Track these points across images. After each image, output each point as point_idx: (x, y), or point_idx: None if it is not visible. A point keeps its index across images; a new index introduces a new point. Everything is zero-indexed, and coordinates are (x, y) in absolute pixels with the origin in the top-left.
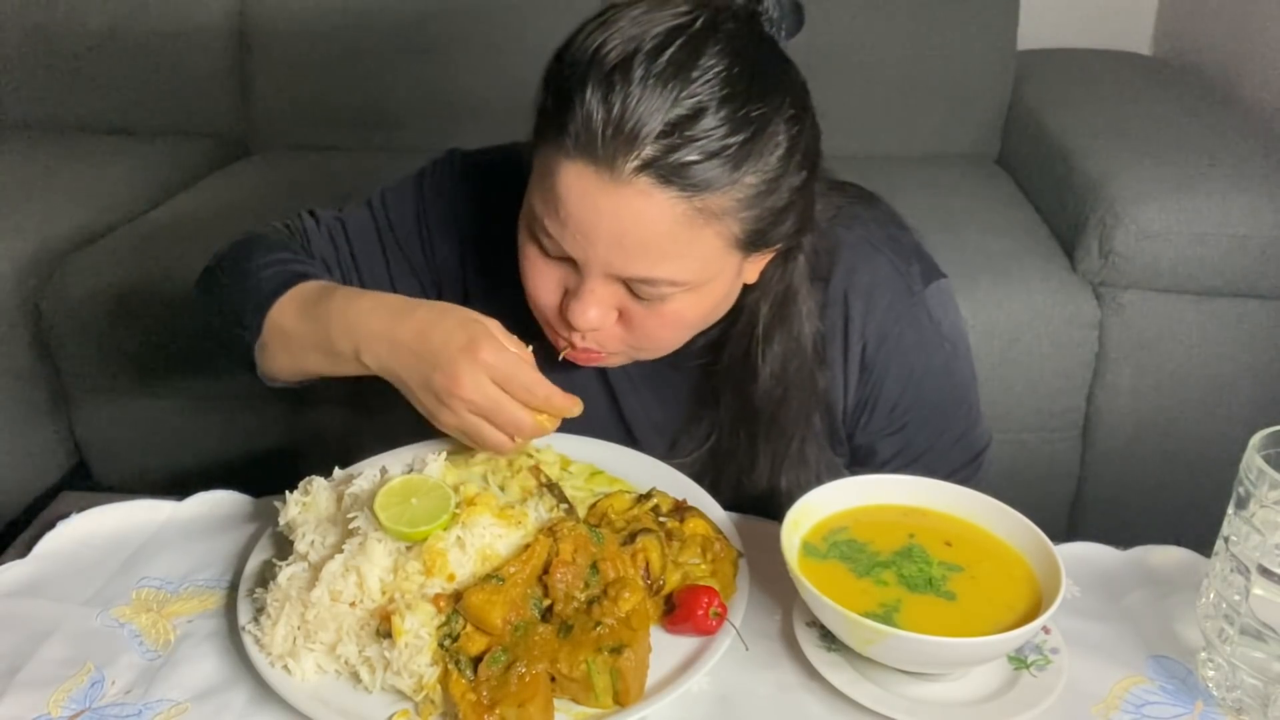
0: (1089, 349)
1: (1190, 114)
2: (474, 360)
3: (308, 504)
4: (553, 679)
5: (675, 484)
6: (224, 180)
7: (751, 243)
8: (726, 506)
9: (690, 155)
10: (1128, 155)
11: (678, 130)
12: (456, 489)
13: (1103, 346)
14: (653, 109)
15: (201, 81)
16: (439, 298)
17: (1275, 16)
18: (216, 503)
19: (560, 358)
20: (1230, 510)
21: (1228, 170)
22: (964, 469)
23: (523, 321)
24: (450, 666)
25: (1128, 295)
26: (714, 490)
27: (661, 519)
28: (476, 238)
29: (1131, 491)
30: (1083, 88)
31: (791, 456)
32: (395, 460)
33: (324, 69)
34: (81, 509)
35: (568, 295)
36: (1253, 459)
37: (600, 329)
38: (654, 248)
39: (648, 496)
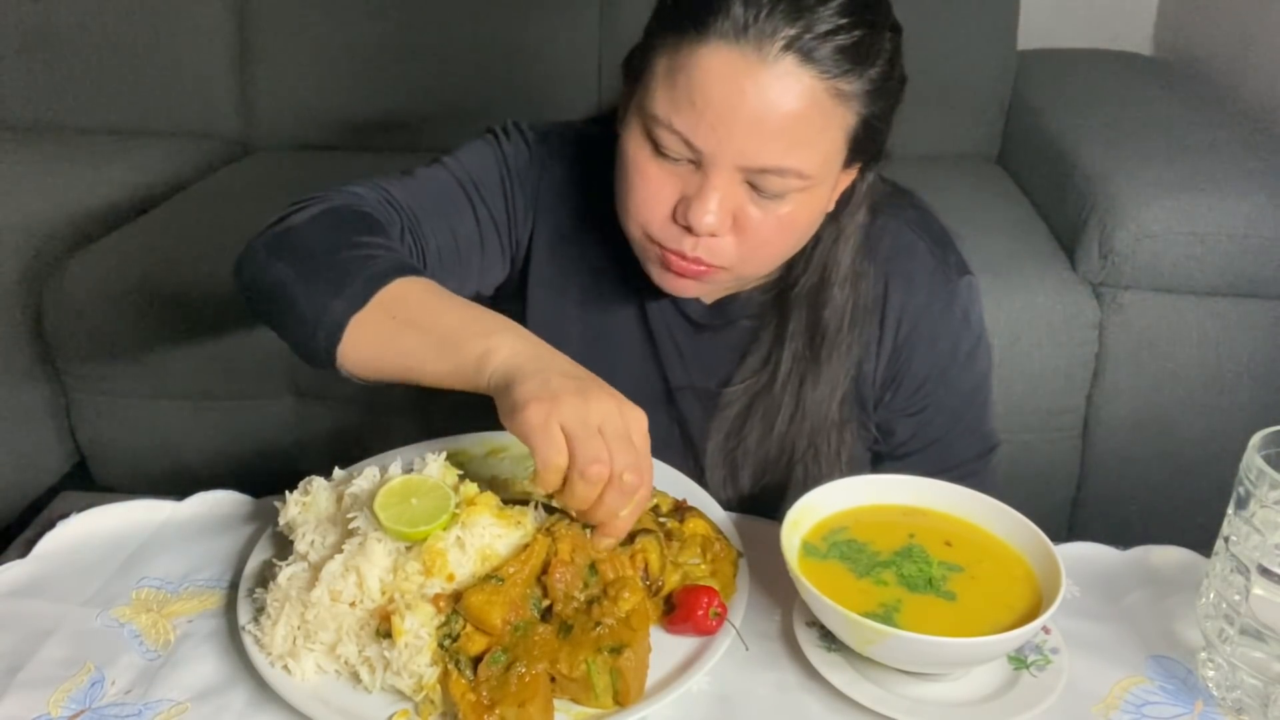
0: (1089, 349)
1: (1190, 114)
2: (621, 404)
3: (308, 504)
4: (553, 679)
5: (675, 484)
6: (224, 180)
7: (858, 144)
8: (775, 444)
9: (826, 38)
10: (1128, 155)
11: (813, 13)
12: (456, 489)
13: (1103, 346)
14: None
15: (201, 81)
16: (514, 254)
17: (1275, 16)
18: (216, 503)
19: (662, 269)
20: (1230, 510)
21: (1228, 170)
22: (974, 461)
23: (579, 286)
24: (450, 666)
25: (1128, 295)
26: (768, 420)
27: (661, 519)
28: (547, 201)
29: (1131, 491)
30: (1083, 88)
31: (842, 391)
32: (395, 460)
33: (324, 69)
34: (81, 509)
35: (683, 202)
36: (1253, 459)
37: (717, 234)
38: (791, 131)
39: None
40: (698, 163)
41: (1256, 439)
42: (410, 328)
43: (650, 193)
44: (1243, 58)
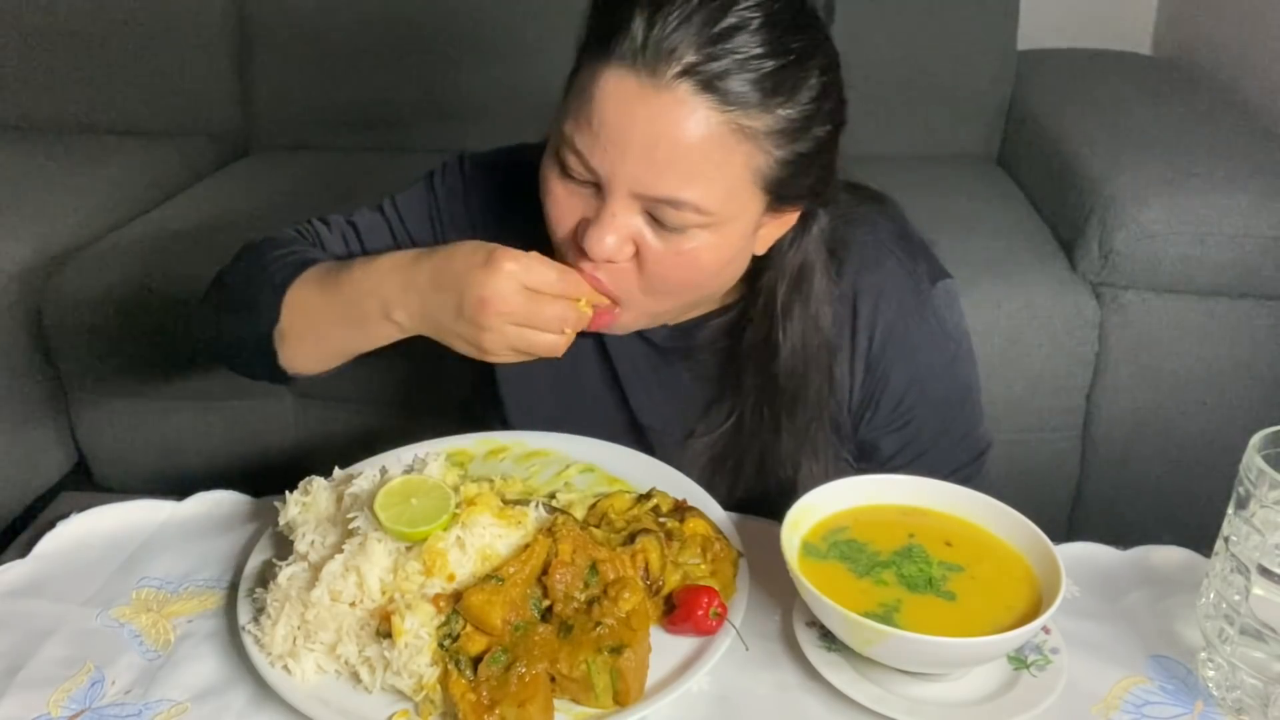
0: (1089, 349)
1: (1190, 114)
2: (498, 270)
3: (308, 504)
4: (553, 679)
5: (675, 484)
6: (224, 180)
7: (775, 187)
8: (743, 492)
9: (730, 68)
10: (1128, 155)
11: (720, 42)
12: (456, 489)
13: (1103, 346)
14: (699, 21)
15: (201, 81)
16: None
17: (1275, 16)
18: (216, 503)
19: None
20: (1230, 510)
21: (1228, 170)
22: (966, 468)
23: None
24: (450, 666)
25: (1128, 295)
26: (736, 472)
27: (661, 519)
28: (488, 230)
29: (1131, 491)
30: (1083, 88)
31: (811, 437)
32: (395, 460)
33: (324, 69)
34: (81, 509)
35: (582, 224)
36: (1253, 459)
37: (615, 260)
38: (684, 162)
39: (648, 496)
40: (598, 186)
41: (1256, 439)
42: (322, 320)
43: (556, 211)
44: (1243, 58)
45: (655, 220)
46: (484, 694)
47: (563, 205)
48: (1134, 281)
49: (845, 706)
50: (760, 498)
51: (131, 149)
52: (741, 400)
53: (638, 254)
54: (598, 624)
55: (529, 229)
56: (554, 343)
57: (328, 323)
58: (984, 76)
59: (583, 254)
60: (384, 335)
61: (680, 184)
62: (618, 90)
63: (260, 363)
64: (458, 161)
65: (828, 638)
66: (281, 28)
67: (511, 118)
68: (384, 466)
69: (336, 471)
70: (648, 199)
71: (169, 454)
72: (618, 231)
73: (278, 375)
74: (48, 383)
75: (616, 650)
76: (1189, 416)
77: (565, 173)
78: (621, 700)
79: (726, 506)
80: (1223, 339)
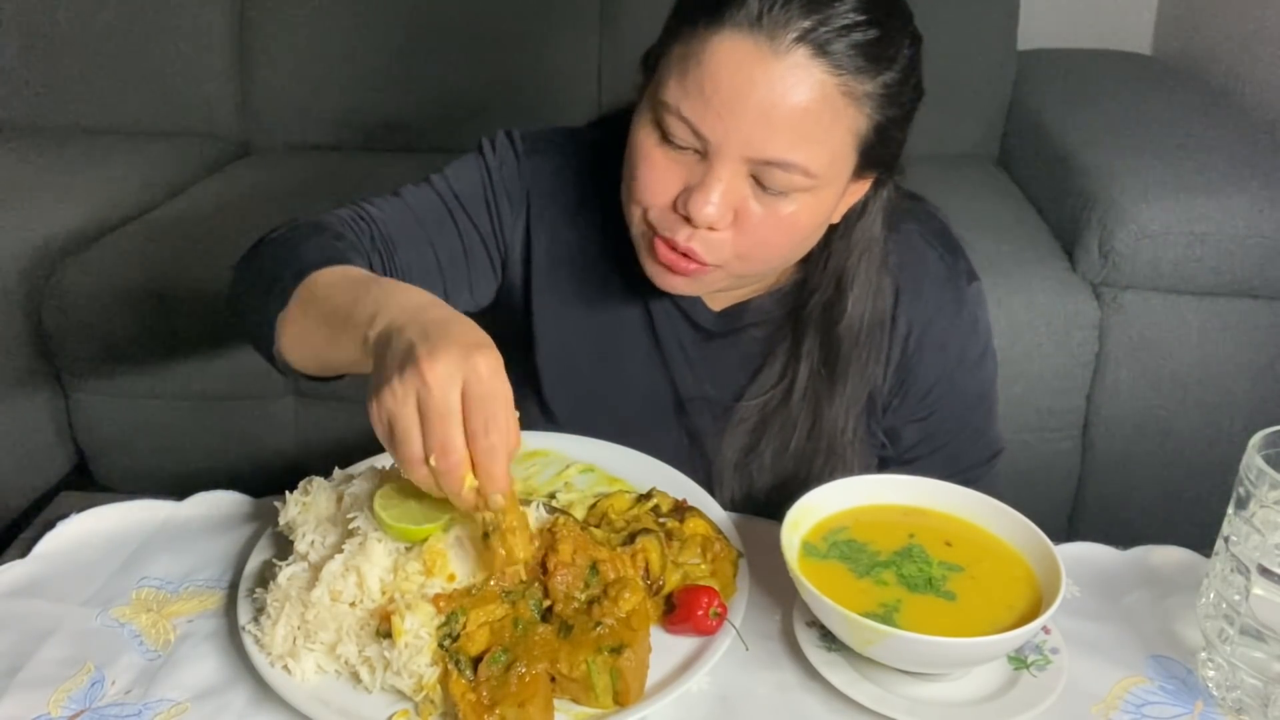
0: (1089, 349)
1: (1190, 114)
2: (467, 356)
3: (308, 504)
4: (553, 679)
5: (675, 484)
6: (224, 180)
7: (869, 151)
8: (791, 456)
9: (841, 34)
10: (1128, 155)
11: (830, 9)
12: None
13: (1103, 346)
14: None
15: (201, 81)
16: (504, 269)
17: (1275, 16)
18: (216, 503)
19: (655, 261)
20: (1230, 510)
21: (1228, 170)
22: (979, 467)
23: (583, 293)
24: (450, 666)
25: (1128, 295)
26: (785, 434)
27: (661, 519)
28: (541, 206)
29: (1131, 491)
30: (1083, 88)
31: (860, 404)
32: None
33: (324, 69)
34: (81, 509)
35: (685, 192)
36: (1253, 459)
37: (717, 227)
38: (798, 124)
39: (648, 496)
40: (704, 153)
41: (1256, 439)
42: (318, 319)
43: (654, 178)
44: (1243, 58)
45: (759, 184)
46: (484, 694)
47: (664, 173)
48: (1134, 281)
49: (845, 706)
50: (791, 478)
51: (131, 149)
52: (797, 364)
53: (736, 219)
54: (598, 624)
55: (583, 210)
56: (412, 455)
57: (322, 314)
58: (984, 76)
59: (683, 220)
60: (349, 342)
61: (791, 146)
62: (733, 56)
63: (259, 337)
64: (506, 135)
65: (828, 638)
66: (281, 28)
67: (512, 118)
68: (384, 466)
69: (336, 471)
70: (757, 162)
71: (169, 454)
72: (724, 197)
73: (272, 361)
74: (48, 382)
75: (616, 650)
76: (1189, 416)
77: (666, 140)
78: (621, 700)
79: (773, 473)
80: (1223, 339)
